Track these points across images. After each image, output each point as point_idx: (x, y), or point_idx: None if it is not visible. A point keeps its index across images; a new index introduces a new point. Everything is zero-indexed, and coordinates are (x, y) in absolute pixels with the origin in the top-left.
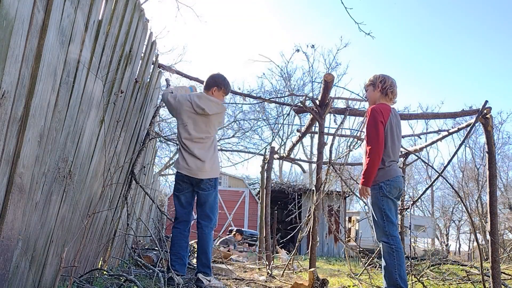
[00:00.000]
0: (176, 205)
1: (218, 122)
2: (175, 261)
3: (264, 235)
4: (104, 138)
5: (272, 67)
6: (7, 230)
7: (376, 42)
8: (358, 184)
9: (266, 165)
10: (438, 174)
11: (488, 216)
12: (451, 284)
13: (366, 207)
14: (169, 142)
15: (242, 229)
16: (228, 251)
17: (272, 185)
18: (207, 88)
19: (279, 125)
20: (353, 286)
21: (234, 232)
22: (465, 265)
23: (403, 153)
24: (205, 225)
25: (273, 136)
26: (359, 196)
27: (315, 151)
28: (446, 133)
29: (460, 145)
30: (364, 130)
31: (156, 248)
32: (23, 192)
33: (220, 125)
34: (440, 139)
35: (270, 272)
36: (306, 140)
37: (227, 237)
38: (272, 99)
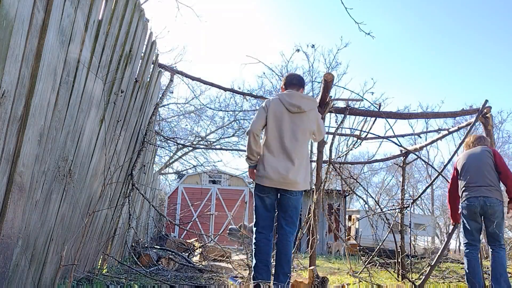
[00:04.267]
0: None
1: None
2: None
3: None
4: (104, 137)
5: (272, 67)
6: (7, 229)
7: (376, 41)
8: (359, 183)
9: None
10: (438, 173)
11: None
12: (451, 282)
13: (366, 205)
14: (169, 141)
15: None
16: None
17: None
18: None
19: None
20: (353, 284)
21: (238, 227)
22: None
23: (403, 152)
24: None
25: None
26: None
27: (315, 150)
28: (446, 132)
29: (460, 144)
30: None
31: (156, 247)
32: (23, 191)
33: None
34: (440, 138)
35: (270, 270)
36: None
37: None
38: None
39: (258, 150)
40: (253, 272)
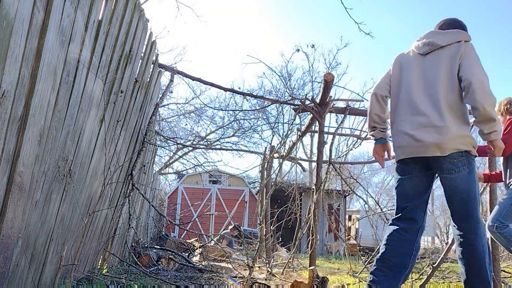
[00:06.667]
0: None
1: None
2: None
3: (263, 233)
4: (104, 137)
5: (272, 67)
6: (7, 229)
7: (376, 41)
8: (359, 183)
9: (266, 164)
10: None
11: (488, 214)
12: (451, 282)
13: (366, 205)
14: (169, 141)
15: (240, 226)
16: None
17: (272, 183)
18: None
19: (279, 124)
20: (353, 284)
21: (231, 227)
22: None
23: None
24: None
25: (272, 135)
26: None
27: (315, 150)
28: None
29: None
30: None
31: (156, 247)
32: (23, 191)
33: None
34: None
35: (270, 270)
36: (306, 139)
37: (224, 232)
38: (272, 99)
39: (381, 114)
40: (369, 279)
